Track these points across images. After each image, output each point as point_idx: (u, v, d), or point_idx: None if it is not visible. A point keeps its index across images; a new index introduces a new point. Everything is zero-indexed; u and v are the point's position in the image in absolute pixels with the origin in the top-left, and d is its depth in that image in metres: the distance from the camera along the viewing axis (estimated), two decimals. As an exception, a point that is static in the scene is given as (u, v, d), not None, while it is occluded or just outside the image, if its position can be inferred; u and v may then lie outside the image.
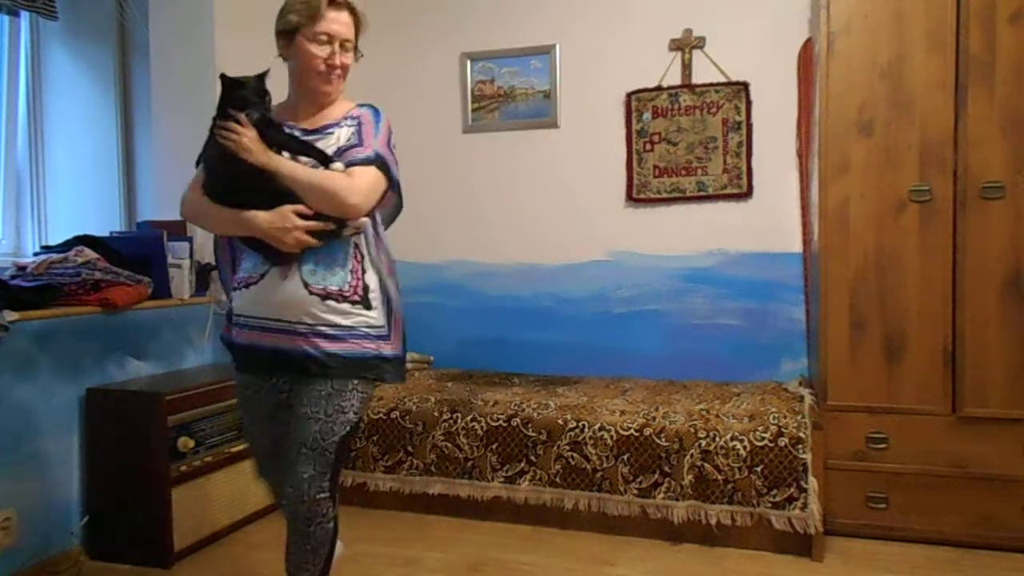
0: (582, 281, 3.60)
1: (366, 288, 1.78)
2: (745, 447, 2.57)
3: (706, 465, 2.60)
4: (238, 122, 1.65)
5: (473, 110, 3.76)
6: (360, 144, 1.77)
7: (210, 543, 2.69)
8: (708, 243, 3.41)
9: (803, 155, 3.25)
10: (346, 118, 1.82)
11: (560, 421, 2.81)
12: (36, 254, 2.59)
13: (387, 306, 1.84)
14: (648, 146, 3.47)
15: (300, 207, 1.67)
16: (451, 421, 2.94)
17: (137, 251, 2.63)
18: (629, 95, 3.48)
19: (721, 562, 2.53)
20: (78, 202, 3.06)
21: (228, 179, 1.71)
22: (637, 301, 3.53)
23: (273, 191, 1.68)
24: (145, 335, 2.86)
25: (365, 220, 1.77)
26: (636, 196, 3.49)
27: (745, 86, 3.33)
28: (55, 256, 2.40)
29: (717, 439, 2.60)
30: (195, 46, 3.04)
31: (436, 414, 2.98)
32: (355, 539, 2.74)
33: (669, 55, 3.44)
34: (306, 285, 1.73)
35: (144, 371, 2.85)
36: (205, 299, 2.94)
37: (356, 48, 1.84)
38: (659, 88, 3.45)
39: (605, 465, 2.71)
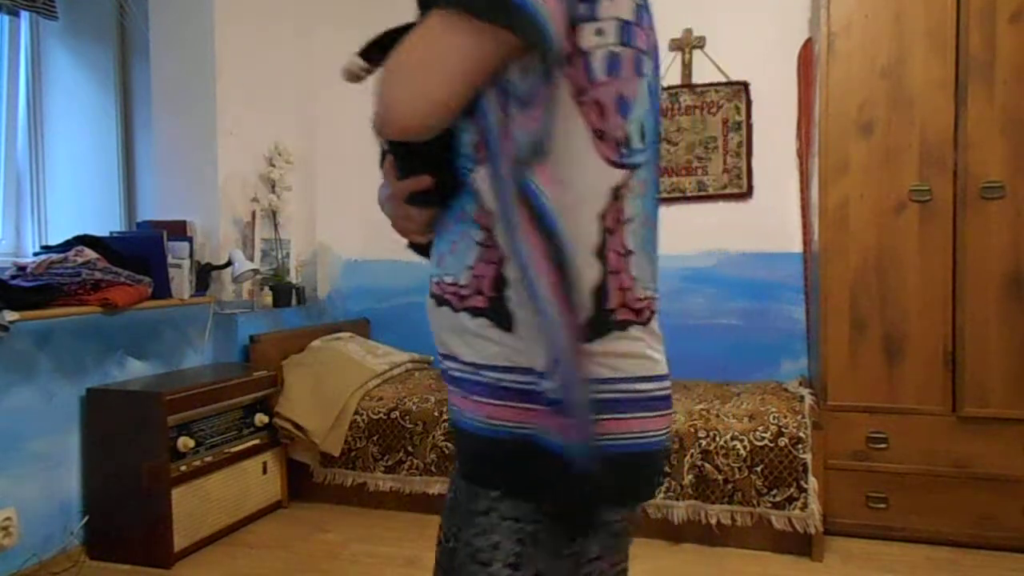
0: (582, 281, 3.59)
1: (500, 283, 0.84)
2: (745, 447, 2.57)
3: (706, 465, 2.60)
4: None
5: (473, 110, 3.76)
6: None
7: (210, 543, 2.69)
8: (708, 243, 3.41)
9: (803, 155, 3.25)
10: None
11: (560, 421, 2.80)
12: (36, 254, 2.59)
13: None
14: (648, 146, 3.47)
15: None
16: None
17: (137, 251, 2.63)
18: (629, 95, 3.48)
19: (721, 562, 2.53)
20: (78, 202, 3.06)
21: None
22: (637, 301, 3.53)
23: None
24: (145, 335, 2.86)
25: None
26: (636, 196, 3.49)
27: (745, 86, 3.33)
28: (55, 256, 2.40)
29: (717, 439, 2.60)
30: (195, 46, 3.05)
31: (436, 414, 2.97)
32: (355, 539, 2.75)
33: (669, 55, 3.44)
34: None
35: (144, 371, 2.85)
36: (205, 299, 2.94)
37: None
38: (659, 88, 3.45)
39: (605, 465, 2.71)
